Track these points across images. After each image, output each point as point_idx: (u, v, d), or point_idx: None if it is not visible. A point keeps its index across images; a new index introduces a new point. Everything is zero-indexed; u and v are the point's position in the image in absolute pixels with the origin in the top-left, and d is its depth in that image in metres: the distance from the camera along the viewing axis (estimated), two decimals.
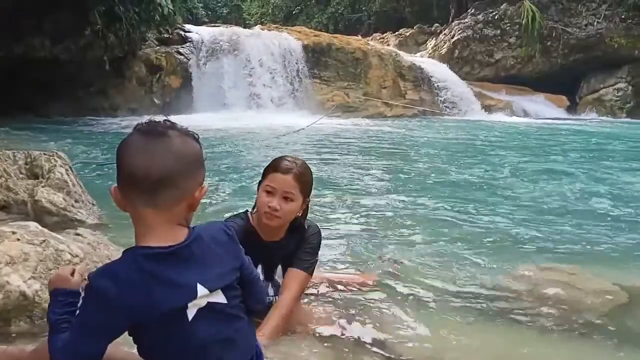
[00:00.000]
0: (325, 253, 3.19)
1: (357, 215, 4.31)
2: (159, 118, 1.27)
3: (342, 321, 2.26)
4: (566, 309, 2.55)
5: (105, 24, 11.85)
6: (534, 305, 2.59)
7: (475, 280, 2.90)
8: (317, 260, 2.27)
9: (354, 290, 2.60)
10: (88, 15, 11.49)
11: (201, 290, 1.19)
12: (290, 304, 2.10)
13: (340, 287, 2.60)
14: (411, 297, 2.64)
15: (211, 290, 1.21)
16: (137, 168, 1.16)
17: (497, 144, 9.95)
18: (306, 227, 2.24)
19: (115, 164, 1.20)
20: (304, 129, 10.30)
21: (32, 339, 1.99)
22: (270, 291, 2.16)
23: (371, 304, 2.49)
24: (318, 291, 2.51)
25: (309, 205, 2.26)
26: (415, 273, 2.97)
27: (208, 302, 1.20)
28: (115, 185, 1.20)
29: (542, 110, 16.76)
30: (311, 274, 2.23)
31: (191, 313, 1.18)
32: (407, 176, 6.25)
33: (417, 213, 4.46)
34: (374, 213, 4.41)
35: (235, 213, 2.33)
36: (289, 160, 2.14)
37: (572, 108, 17.63)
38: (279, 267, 2.20)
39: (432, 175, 6.38)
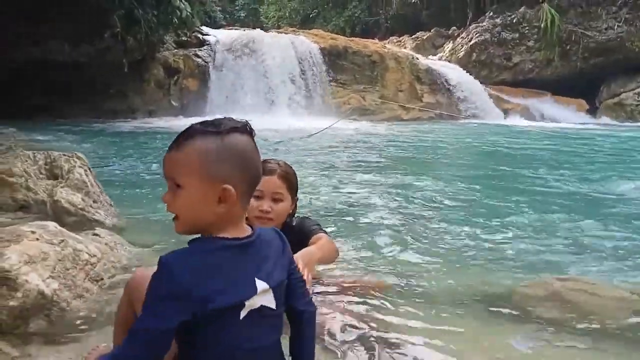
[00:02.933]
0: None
1: (372, 217, 4.29)
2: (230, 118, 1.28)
3: (349, 322, 2.25)
4: (585, 318, 2.51)
5: (124, 27, 12.00)
6: (551, 313, 2.55)
7: (491, 286, 2.87)
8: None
9: (362, 294, 2.58)
10: (108, 18, 11.65)
11: (260, 284, 1.20)
12: (326, 241, 2.20)
13: (348, 290, 2.57)
14: (424, 302, 2.62)
15: (270, 285, 1.22)
16: (259, 167, 1.26)
17: (515, 147, 9.86)
18: (294, 225, 2.29)
19: (228, 163, 1.19)
20: (320, 132, 10.31)
21: (50, 337, 2.01)
22: None
23: (381, 308, 2.47)
24: (324, 292, 2.48)
25: (297, 205, 2.30)
26: (429, 278, 2.94)
27: (261, 305, 1.20)
28: (227, 186, 1.18)
29: (561, 114, 16.58)
30: (324, 231, 2.33)
31: (244, 312, 1.18)
32: (423, 179, 6.21)
33: (435, 217, 4.43)
34: (390, 215, 4.39)
35: None
36: (271, 162, 2.16)
37: (591, 112, 17.41)
38: None
39: (449, 178, 6.34)
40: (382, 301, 2.53)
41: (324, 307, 2.32)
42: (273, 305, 1.23)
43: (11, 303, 2.02)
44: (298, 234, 2.26)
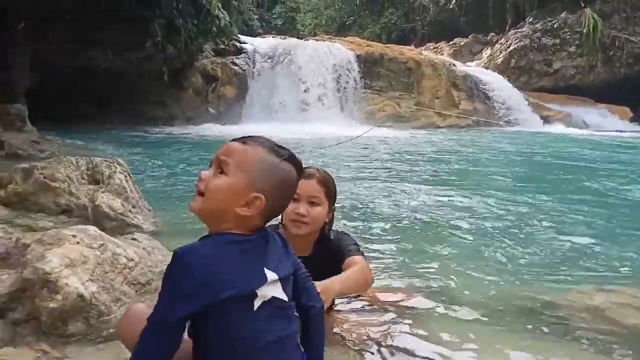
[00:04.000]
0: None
1: (407, 227, 4.25)
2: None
3: (380, 332, 2.21)
4: (628, 334, 2.41)
5: (165, 36, 12.26)
6: (592, 327, 2.46)
7: (531, 297, 2.80)
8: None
9: (393, 304, 2.51)
10: (149, 27, 11.93)
11: (270, 274, 1.26)
12: (357, 270, 2.11)
13: (380, 300, 2.50)
14: (461, 312, 2.56)
15: (279, 276, 1.28)
16: (290, 201, 1.40)
17: (557, 156, 9.61)
18: (331, 237, 2.24)
19: (272, 180, 1.29)
20: (355, 138, 10.29)
21: (89, 339, 2.05)
22: None
23: (415, 318, 2.42)
24: (350, 301, 2.43)
25: (334, 215, 2.25)
26: (468, 288, 2.89)
27: (273, 296, 1.26)
28: (257, 194, 1.27)
29: (604, 122, 16.09)
30: (362, 254, 2.25)
31: (257, 303, 1.23)
32: (461, 187, 6.12)
33: (473, 226, 4.35)
34: (427, 224, 4.34)
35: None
36: (310, 168, 2.16)
37: (636, 120, 16.84)
38: None
39: (488, 187, 6.22)
40: (415, 312, 2.49)
41: (351, 314, 2.29)
42: (284, 297, 1.28)
43: (51, 305, 2.07)
44: (335, 251, 2.22)
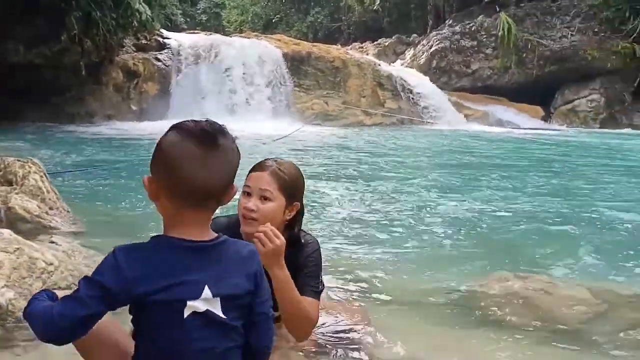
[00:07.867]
0: None
1: (331, 222, 4.32)
2: (206, 120, 1.27)
3: (323, 331, 2.24)
4: (540, 316, 2.58)
5: (81, 29, 11.73)
6: (507, 311, 2.62)
7: (448, 284, 2.93)
8: (323, 283, 2.02)
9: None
10: (64, 20, 11.36)
11: (206, 292, 1.19)
12: (313, 318, 1.92)
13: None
14: (383, 301, 2.65)
15: (214, 295, 1.20)
16: (197, 182, 1.20)
17: (474, 152, 10.08)
18: (303, 242, 1.99)
19: (156, 159, 1.20)
20: (283, 137, 10.31)
21: (6, 345, 1.95)
22: None
23: (347, 318, 2.46)
24: None
25: (301, 213, 2.00)
26: (387, 279, 2.98)
27: (207, 309, 1.20)
28: (149, 177, 1.21)
29: (518, 120, 17.04)
30: (319, 298, 1.97)
31: (187, 312, 1.18)
32: (382, 183, 6.29)
33: (390, 219, 4.49)
34: (350, 219, 4.42)
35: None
36: (269, 159, 1.99)
37: (546, 118, 17.96)
38: None
39: (408, 181, 6.43)
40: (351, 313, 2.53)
41: None
42: (220, 314, 1.21)
43: None
44: (300, 261, 1.94)
